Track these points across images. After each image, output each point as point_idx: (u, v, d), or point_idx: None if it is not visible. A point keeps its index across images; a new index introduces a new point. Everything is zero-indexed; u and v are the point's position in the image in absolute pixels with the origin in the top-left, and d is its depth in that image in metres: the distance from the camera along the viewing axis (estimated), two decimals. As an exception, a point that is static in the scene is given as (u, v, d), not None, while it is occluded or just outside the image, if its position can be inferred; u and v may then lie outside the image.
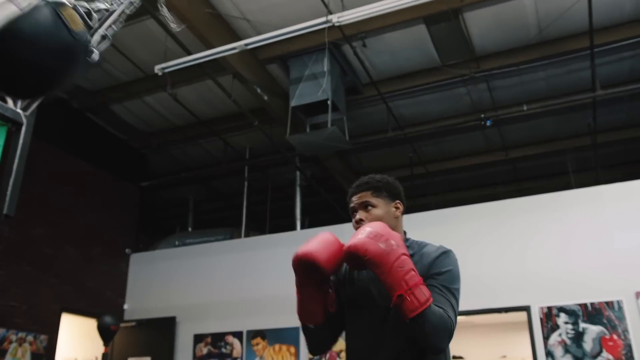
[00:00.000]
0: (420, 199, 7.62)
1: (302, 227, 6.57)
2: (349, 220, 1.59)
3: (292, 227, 6.49)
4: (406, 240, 1.60)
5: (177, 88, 5.57)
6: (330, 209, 7.61)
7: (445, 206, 5.57)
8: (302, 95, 5.07)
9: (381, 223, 1.46)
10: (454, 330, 1.40)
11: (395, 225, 1.58)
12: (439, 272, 1.47)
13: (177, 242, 7.07)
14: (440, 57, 5.34)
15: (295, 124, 5.36)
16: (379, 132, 6.19)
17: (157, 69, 4.81)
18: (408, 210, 1.68)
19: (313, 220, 7.62)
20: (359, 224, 1.58)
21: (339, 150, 6.23)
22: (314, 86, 5.02)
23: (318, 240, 1.47)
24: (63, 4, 1.28)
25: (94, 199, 6.24)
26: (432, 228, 4.97)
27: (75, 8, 1.29)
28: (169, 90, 5.20)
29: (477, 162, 7.11)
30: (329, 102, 4.94)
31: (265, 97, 5.44)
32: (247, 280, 5.81)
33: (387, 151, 6.95)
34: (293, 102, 5.12)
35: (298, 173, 6.76)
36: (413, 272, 1.36)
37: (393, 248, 1.37)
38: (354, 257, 1.40)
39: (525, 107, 5.52)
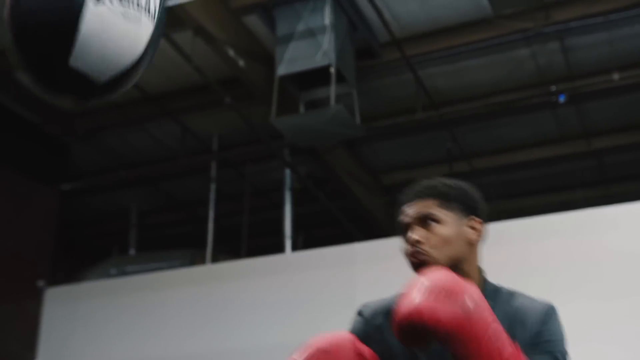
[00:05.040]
0: (464, 208, 7.62)
1: (294, 249, 6.58)
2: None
3: (280, 249, 6.50)
4: (484, 286, 1.57)
5: (113, 49, 5.57)
6: (333, 222, 7.61)
7: (498, 218, 5.57)
8: (293, 59, 5.07)
9: (445, 272, 1.40)
10: None
11: (468, 257, 1.56)
12: (547, 341, 1.50)
13: (113, 271, 7.06)
14: (493, 5, 5.34)
15: (284, 102, 5.36)
16: (404, 113, 6.19)
17: (85, 21, 4.81)
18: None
19: (309, 237, 7.63)
20: (415, 247, 1.54)
21: (346, 139, 6.22)
22: (310, 47, 5.02)
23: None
24: None
25: (-6, 209, 6.24)
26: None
27: None
28: (102, 52, 5.20)
29: (545, 155, 7.11)
30: (331, 69, 4.94)
31: (241, 63, 5.44)
32: (215, 324, 5.81)
33: (415, 140, 6.96)
34: (281, 70, 5.12)
35: (288, 171, 6.77)
36: (510, 349, 1.35)
37: (478, 312, 1.32)
38: (414, 332, 1.30)
39: (616, 76, 5.52)
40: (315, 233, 7.97)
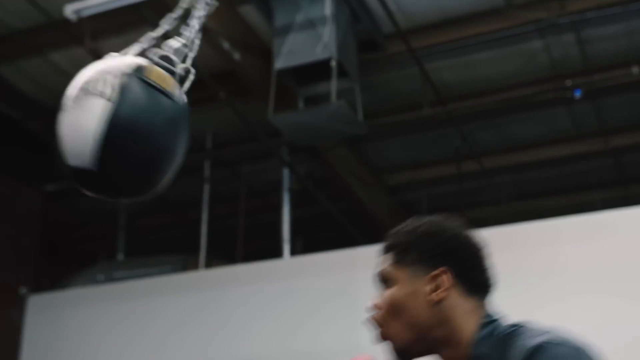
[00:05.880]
0: (473, 210, 7.62)
1: (293, 253, 6.58)
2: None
3: (278, 253, 6.50)
4: (481, 341, 1.28)
5: (100, 41, 5.57)
6: (334, 225, 7.61)
7: (511, 221, 5.57)
8: (292, 52, 5.07)
9: None
10: None
11: (436, 322, 1.30)
12: None
13: (100, 277, 7.06)
14: (504, -6, 5.35)
15: (281, 97, 5.36)
16: (409, 109, 6.19)
17: (70, 11, 4.81)
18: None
19: (309, 241, 7.62)
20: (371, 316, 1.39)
21: (348, 137, 6.22)
22: (310, 39, 5.02)
23: None
24: (145, 68, 1.56)
25: (-27, 211, 6.24)
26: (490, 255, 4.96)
27: (157, 63, 1.58)
28: (89, 45, 5.20)
29: (560, 154, 7.11)
30: (332, 63, 4.94)
31: (236, 56, 5.44)
32: (209, 333, 5.81)
33: (421, 138, 6.96)
34: (279, 64, 5.12)
35: (286, 171, 6.77)
36: None
37: None
38: None
39: (635, 70, 5.51)
40: (315, 236, 7.96)
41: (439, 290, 1.30)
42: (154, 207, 8.31)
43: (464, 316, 1.30)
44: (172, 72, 1.67)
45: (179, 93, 1.64)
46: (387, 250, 1.39)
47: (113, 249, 8.09)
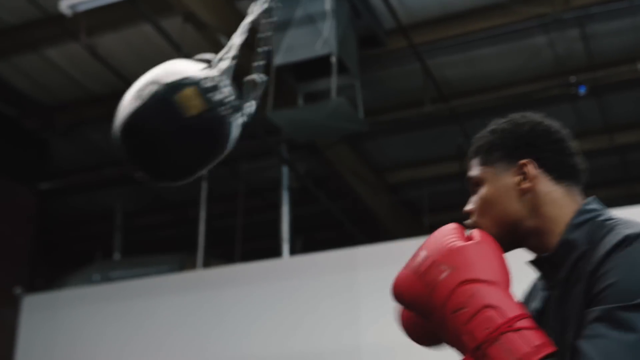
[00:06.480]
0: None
1: (293, 252, 6.58)
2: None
3: (277, 253, 6.51)
4: (576, 226, 1.32)
5: (96, 36, 5.57)
6: (334, 224, 7.61)
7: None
8: (291, 48, 5.08)
9: (445, 231, 1.31)
10: None
11: (526, 211, 1.35)
12: (599, 289, 1.18)
13: (96, 277, 7.06)
14: (507, -11, 5.35)
15: (281, 94, 5.36)
16: (411, 106, 6.19)
17: (65, 6, 4.82)
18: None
19: (309, 240, 7.63)
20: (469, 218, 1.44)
21: (348, 134, 6.23)
22: (309, 35, 5.03)
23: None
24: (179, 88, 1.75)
25: (-33, 210, 6.25)
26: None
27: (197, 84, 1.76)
28: (84, 40, 5.20)
29: (564, 151, 7.10)
30: (332, 59, 4.94)
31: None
32: (207, 333, 5.82)
33: (422, 135, 6.96)
34: (278, 59, 5.12)
35: (285, 169, 6.77)
36: (491, 312, 1.17)
37: (441, 279, 1.23)
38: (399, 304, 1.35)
39: None
40: (315, 236, 7.97)
41: (526, 181, 1.35)
42: (151, 206, 8.32)
43: (555, 204, 1.36)
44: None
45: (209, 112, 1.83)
46: (473, 155, 1.45)
47: (109, 248, 8.09)
